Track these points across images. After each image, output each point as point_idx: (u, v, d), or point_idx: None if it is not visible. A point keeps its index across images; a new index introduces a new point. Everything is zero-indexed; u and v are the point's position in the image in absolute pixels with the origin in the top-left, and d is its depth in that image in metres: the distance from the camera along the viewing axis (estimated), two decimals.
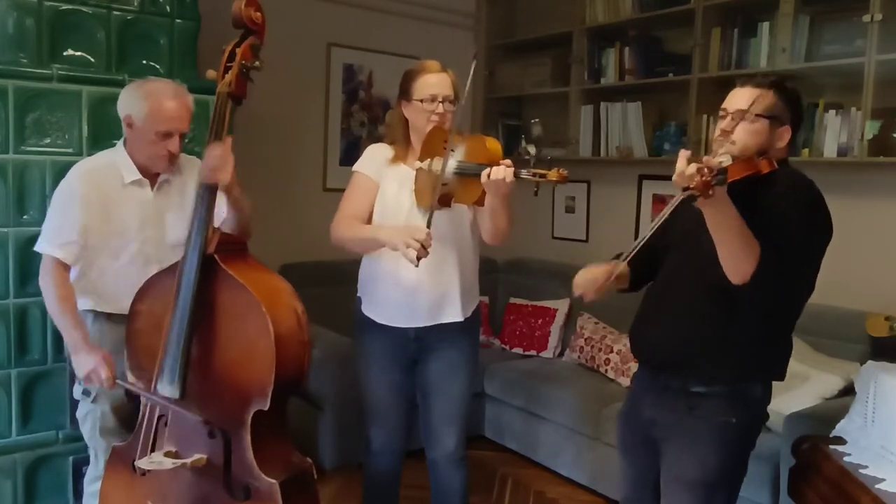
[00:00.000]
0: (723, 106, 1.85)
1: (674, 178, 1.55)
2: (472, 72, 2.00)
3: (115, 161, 2.19)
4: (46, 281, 2.11)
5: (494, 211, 2.08)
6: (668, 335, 1.88)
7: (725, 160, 1.66)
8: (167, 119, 2.10)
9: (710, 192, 1.50)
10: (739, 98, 1.81)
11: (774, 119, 1.78)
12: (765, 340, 1.82)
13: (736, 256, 1.65)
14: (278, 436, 1.97)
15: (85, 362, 2.04)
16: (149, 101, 2.10)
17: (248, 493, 1.88)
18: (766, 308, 1.74)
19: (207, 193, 1.94)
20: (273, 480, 1.85)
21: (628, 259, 1.88)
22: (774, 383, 1.90)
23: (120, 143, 2.22)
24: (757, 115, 1.76)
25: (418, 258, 1.96)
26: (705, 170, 1.49)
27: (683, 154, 1.55)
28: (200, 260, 1.90)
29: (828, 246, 1.79)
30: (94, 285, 2.18)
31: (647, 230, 1.78)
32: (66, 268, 2.12)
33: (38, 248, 2.14)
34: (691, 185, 1.50)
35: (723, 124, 1.82)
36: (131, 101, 2.13)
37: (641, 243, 1.78)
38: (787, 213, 1.70)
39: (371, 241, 2.18)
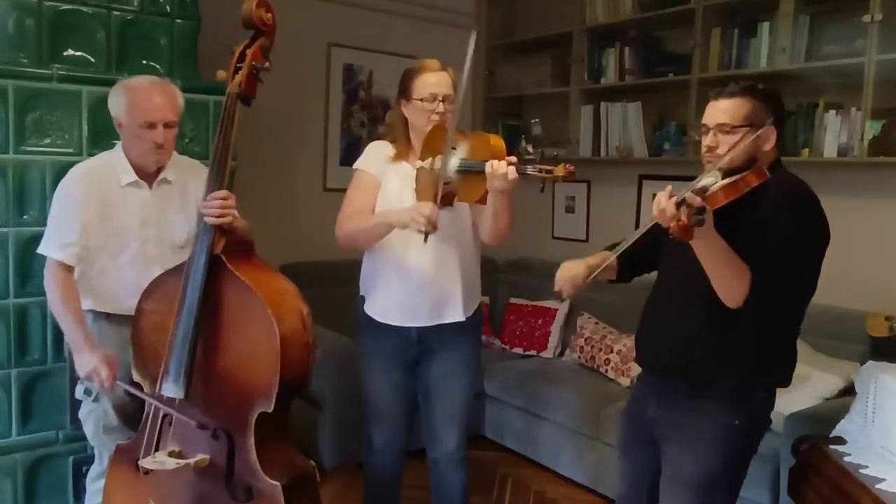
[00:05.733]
0: (703, 122, 1.84)
1: (652, 212, 1.58)
2: (471, 47, 1.85)
3: (113, 162, 2.21)
4: (49, 283, 2.12)
5: (497, 209, 2.07)
6: (670, 342, 1.88)
7: (713, 180, 1.67)
8: (147, 109, 2.12)
9: (690, 236, 1.53)
10: (718, 111, 1.80)
11: (756, 125, 1.75)
12: (767, 347, 1.81)
13: (726, 284, 1.67)
14: (281, 437, 1.97)
15: (86, 362, 2.05)
16: (128, 95, 2.13)
17: (250, 494, 1.88)
18: (766, 319, 1.75)
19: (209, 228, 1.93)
20: (276, 482, 1.85)
21: (617, 254, 1.92)
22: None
23: (118, 146, 2.24)
24: (736, 127, 1.75)
25: (426, 234, 1.96)
26: (683, 211, 1.51)
27: (666, 190, 1.58)
28: (208, 260, 1.90)
29: (826, 248, 1.79)
30: (95, 286, 2.18)
31: (635, 231, 1.83)
32: (68, 270, 2.12)
33: (40, 250, 2.16)
34: (670, 230, 1.52)
35: (707, 140, 1.81)
36: (114, 100, 2.16)
37: (628, 245, 1.84)
38: (779, 234, 1.69)
39: (381, 226, 2.17)
